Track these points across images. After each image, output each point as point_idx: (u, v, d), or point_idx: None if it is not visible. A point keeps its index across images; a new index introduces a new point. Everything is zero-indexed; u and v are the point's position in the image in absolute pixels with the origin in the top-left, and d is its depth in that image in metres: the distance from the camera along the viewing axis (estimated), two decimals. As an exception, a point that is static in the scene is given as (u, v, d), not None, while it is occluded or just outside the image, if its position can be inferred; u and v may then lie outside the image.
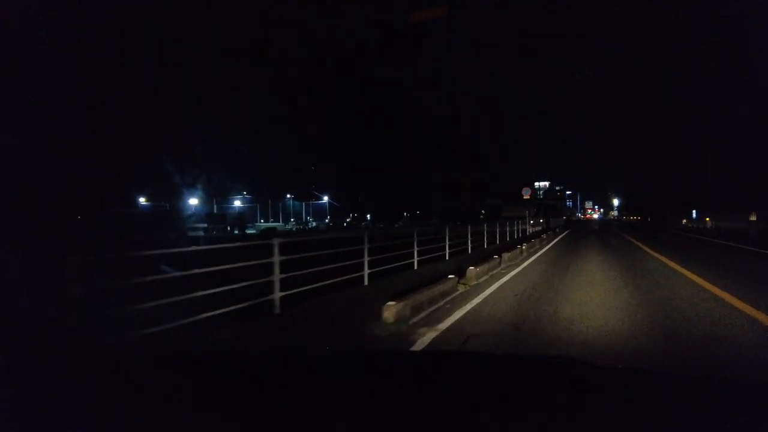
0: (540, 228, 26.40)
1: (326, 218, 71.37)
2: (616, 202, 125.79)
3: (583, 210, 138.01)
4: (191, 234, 43.87)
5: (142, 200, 56.90)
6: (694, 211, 33.51)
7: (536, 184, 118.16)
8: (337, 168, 74.90)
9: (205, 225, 51.64)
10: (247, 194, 63.98)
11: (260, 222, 66.77)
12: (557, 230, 28.46)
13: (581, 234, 26.87)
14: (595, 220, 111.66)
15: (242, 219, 56.51)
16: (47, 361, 1.10)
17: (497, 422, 0.96)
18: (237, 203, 67.30)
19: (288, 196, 68.14)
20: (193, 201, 61.38)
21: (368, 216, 78.22)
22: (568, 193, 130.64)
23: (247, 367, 1.35)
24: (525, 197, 22.05)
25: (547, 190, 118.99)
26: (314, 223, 67.19)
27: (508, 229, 15.56)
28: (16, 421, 0.88)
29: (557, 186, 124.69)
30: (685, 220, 34.79)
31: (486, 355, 1.76)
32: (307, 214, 72.02)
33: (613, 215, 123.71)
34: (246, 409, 1.00)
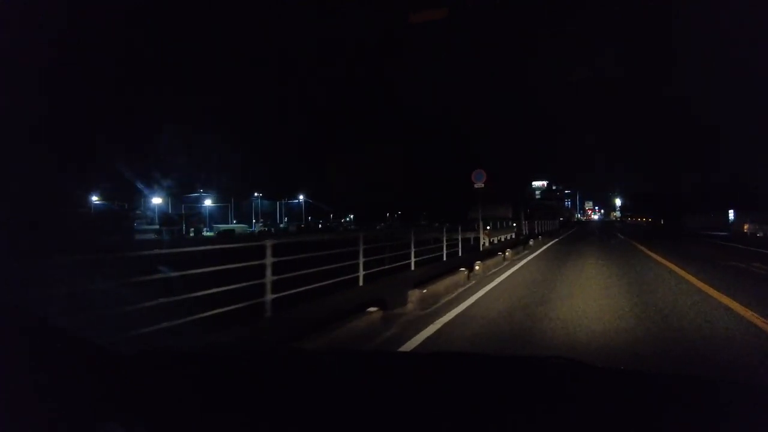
0: (506, 237, 18.86)
1: (302, 219, 66.21)
2: (618, 202, 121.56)
3: (583, 210, 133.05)
4: (139, 237, 39.41)
5: (95, 199, 52.98)
6: (731, 212, 26.01)
7: (533, 183, 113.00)
8: (319, 166, 69.47)
9: (157, 227, 46.76)
10: (204, 192, 58.81)
11: (233, 222, 62.23)
12: (532, 242, 16.20)
13: (573, 253, 13.64)
14: (594, 221, 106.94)
15: (199, 220, 51.42)
16: (46, 361, 1.05)
17: (497, 423, 0.97)
18: (207, 202, 62.93)
19: (255, 194, 62.45)
20: (157, 200, 57.12)
21: (351, 216, 73.34)
22: (566, 192, 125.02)
23: (247, 367, 1.34)
24: (477, 186, 12.52)
25: (545, 190, 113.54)
26: (284, 225, 61.81)
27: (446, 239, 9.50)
28: (16, 422, 0.87)
29: (555, 186, 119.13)
30: (747, 224, 22.27)
31: (485, 356, 1.62)
32: (282, 214, 66.73)
33: (615, 216, 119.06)
34: (246, 409, 1.01)
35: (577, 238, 23.86)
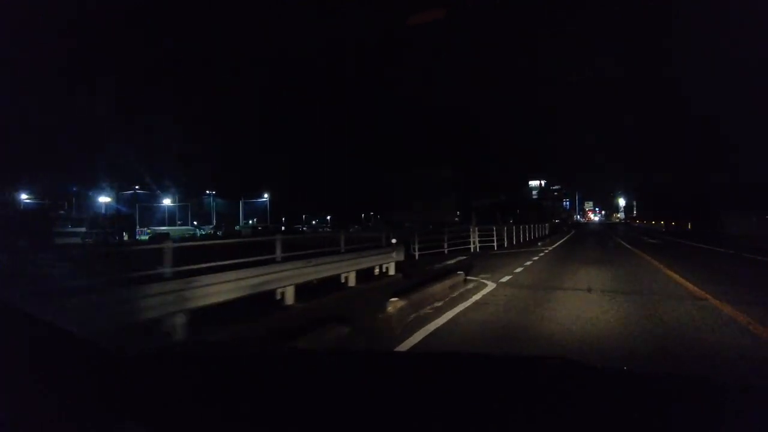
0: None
1: (267, 220, 60.00)
2: (621, 202, 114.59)
3: (583, 212, 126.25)
4: (60, 241, 33.17)
5: (24, 198, 47.15)
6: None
7: (530, 183, 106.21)
8: (293, 163, 63.25)
9: (84, 230, 40.56)
10: (141, 189, 52.68)
11: (193, 223, 56.29)
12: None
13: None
14: (594, 222, 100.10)
15: (131, 221, 45.59)
16: (47, 361, 1.05)
17: (496, 423, 0.98)
18: (167, 202, 57.08)
19: (207, 192, 56.15)
20: (105, 199, 51.22)
21: (328, 217, 67.17)
22: (565, 192, 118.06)
23: (247, 367, 1.34)
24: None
25: (542, 189, 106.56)
26: (239, 226, 55.56)
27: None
28: (16, 422, 0.88)
29: (553, 185, 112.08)
30: None
31: (485, 356, 1.63)
32: (244, 214, 60.39)
33: (618, 218, 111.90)
34: (246, 409, 1.01)
35: (559, 272, 9.56)
